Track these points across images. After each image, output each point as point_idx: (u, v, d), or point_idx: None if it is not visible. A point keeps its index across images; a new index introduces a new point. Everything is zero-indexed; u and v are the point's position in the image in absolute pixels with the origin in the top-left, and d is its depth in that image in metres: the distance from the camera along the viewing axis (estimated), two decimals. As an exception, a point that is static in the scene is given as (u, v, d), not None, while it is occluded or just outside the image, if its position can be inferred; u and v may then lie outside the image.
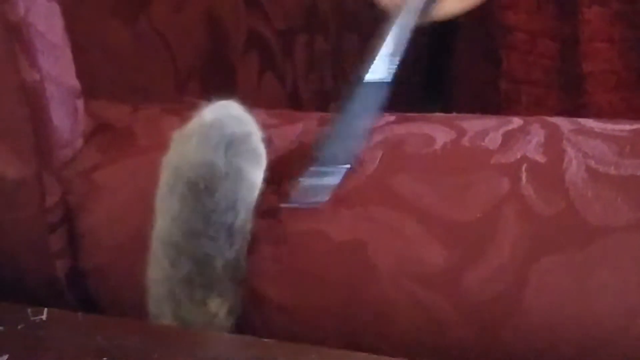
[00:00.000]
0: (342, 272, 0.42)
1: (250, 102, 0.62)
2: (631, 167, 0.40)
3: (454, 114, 0.46)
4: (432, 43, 0.88)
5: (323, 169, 0.42)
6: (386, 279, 0.41)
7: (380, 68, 0.47)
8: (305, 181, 0.42)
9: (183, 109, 0.51)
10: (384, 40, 0.48)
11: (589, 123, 0.44)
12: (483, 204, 0.41)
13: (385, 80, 0.46)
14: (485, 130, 0.44)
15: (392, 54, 0.47)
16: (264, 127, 0.44)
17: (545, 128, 0.43)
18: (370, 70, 0.46)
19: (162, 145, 0.48)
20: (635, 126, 0.43)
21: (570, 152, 0.41)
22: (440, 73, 0.86)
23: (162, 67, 0.61)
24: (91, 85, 0.52)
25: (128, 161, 0.48)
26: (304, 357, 0.38)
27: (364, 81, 0.46)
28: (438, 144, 0.43)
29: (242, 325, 0.43)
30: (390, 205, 0.42)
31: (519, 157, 0.42)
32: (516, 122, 0.44)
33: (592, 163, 0.41)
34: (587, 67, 0.72)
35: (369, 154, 0.44)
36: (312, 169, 0.42)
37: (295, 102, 0.70)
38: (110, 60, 0.58)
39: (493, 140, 0.43)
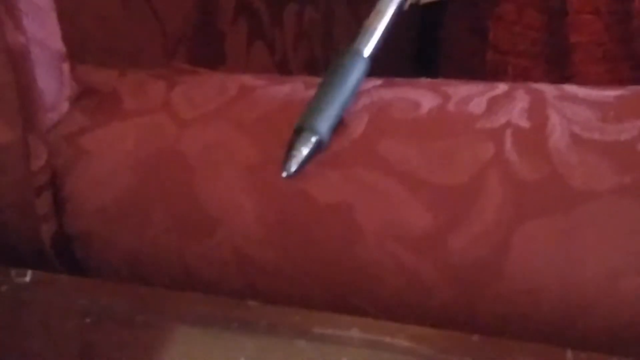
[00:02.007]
0: (328, 234, 0.42)
1: (239, 70, 0.62)
2: (615, 133, 0.41)
3: (440, 80, 0.46)
4: (420, 15, 0.88)
5: (309, 138, 0.42)
6: (371, 241, 0.42)
7: (371, 39, 0.46)
8: (299, 151, 0.42)
9: (170, 74, 0.51)
10: (376, 11, 0.47)
11: (574, 89, 0.44)
12: (468, 168, 0.41)
13: (374, 53, 0.46)
14: (470, 95, 0.44)
15: (383, 26, 0.47)
16: (251, 88, 0.44)
17: (530, 94, 0.44)
18: (361, 41, 0.46)
19: (148, 110, 0.48)
20: (619, 92, 0.43)
21: (555, 117, 0.42)
22: (428, 45, 0.86)
23: (151, 33, 0.61)
24: (79, 50, 0.52)
25: (114, 125, 0.48)
26: (287, 319, 0.38)
27: (354, 52, 0.45)
28: (424, 109, 0.44)
29: (226, 287, 0.43)
30: (376, 168, 0.42)
31: (503, 122, 0.42)
32: (501, 88, 0.44)
33: (576, 128, 0.41)
34: (573, 39, 0.72)
35: (356, 118, 0.44)
36: (301, 138, 0.42)
37: (284, 71, 0.70)
38: (99, 26, 0.58)
39: (478, 105, 0.43)
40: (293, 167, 0.41)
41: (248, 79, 0.48)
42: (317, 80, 0.48)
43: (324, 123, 0.42)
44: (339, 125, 0.43)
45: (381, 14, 0.47)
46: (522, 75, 0.74)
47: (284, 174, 0.41)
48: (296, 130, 0.42)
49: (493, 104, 0.43)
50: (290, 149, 0.42)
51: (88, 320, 0.38)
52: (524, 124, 0.42)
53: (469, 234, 0.40)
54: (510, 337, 0.38)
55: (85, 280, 0.45)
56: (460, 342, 0.37)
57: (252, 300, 0.40)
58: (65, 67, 0.49)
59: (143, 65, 0.57)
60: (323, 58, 0.76)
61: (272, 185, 0.44)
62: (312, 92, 0.46)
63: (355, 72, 0.44)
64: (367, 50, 0.46)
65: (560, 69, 0.74)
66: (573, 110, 0.42)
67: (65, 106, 0.48)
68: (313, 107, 0.43)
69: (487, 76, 0.74)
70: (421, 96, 0.44)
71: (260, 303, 0.39)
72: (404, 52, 0.88)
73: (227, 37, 0.65)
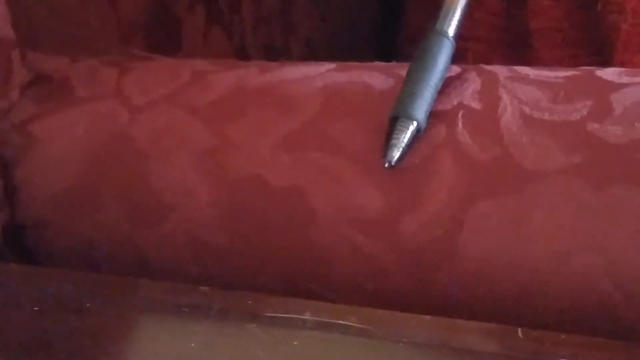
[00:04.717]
0: (282, 217, 0.42)
1: (197, 56, 0.61)
2: (564, 113, 0.41)
3: (394, 63, 0.46)
4: (382, 0, 0.88)
5: (407, 125, 0.40)
6: (325, 224, 0.41)
7: (453, 19, 0.45)
8: (399, 139, 0.40)
9: (122, 60, 0.51)
10: None
11: (525, 70, 0.44)
12: (420, 150, 0.41)
13: (456, 34, 0.45)
14: (423, 77, 0.44)
15: (463, 4, 0.46)
16: (203, 73, 0.44)
17: (482, 75, 0.44)
18: (444, 22, 0.45)
19: (100, 96, 0.48)
20: (570, 73, 0.43)
21: (506, 98, 0.42)
22: (390, 31, 0.86)
23: (106, 20, 0.61)
24: (31, 37, 0.51)
25: (65, 112, 0.47)
26: (239, 303, 0.38)
27: (440, 34, 0.44)
28: (376, 92, 0.43)
29: (180, 273, 0.42)
30: (329, 151, 0.42)
31: (455, 104, 0.42)
32: (453, 70, 0.45)
33: (527, 109, 0.41)
34: (533, 25, 0.73)
35: (308, 101, 0.44)
36: (399, 125, 0.40)
37: (242, 57, 0.69)
38: (51, 13, 0.57)
39: (430, 87, 0.43)
40: (395, 156, 0.40)
41: (201, 64, 0.48)
42: (272, 64, 0.48)
43: (420, 109, 0.41)
44: (295, 109, 0.43)
45: None
46: (482, 61, 0.74)
47: (386, 164, 0.40)
48: (392, 118, 0.41)
49: (445, 86, 0.43)
50: (389, 138, 0.40)
51: (37, 308, 0.37)
52: (476, 105, 0.42)
53: (422, 216, 0.41)
54: (463, 317, 0.38)
55: (33, 268, 0.44)
56: (412, 323, 0.37)
57: (206, 285, 0.40)
58: (15, 54, 0.48)
59: (98, 52, 0.56)
60: (282, 44, 0.75)
61: (226, 170, 0.43)
62: (266, 77, 0.46)
63: (443, 54, 0.43)
64: (451, 30, 0.45)
65: (519, 54, 0.75)
66: (524, 91, 0.42)
67: (15, 94, 0.48)
68: (407, 94, 0.41)
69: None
70: (374, 79, 0.44)
71: (212, 288, 0.39)
72: (365, 38, 0.88)
73: (184, 23, 0.64)
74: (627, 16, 0.70)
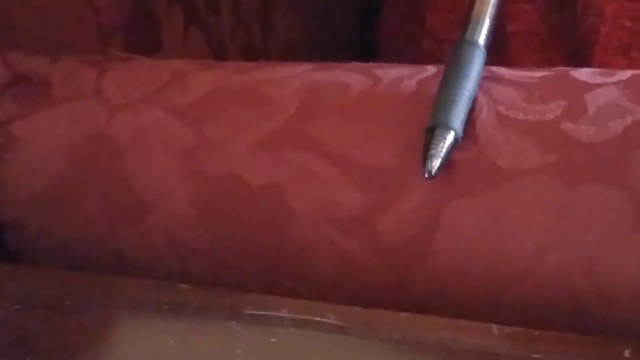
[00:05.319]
0: (260, 216, 0.42)
1: (176, 56, 0.62)
2: (539, 113, 0.41)
3: (372, 63, 0.47)
4: (362, 1, 0.89)
5: (445, 135, 0.40)
6: (304, 223, 0.42)
7: (483, 28, 0.46)
8: (437, 149, 0.40)
9: (102, 60, 0.51)
10: (484, 1, 0.46)
11: (501, 71, 0.44)
12: (397, 149, 0.42)
13: (486, 43, 0.45)
14: (400, 78, 0.44)
15: (492, 12, 0.46)
16: (182, 73, 0.44)
17: (459, 75, 0.44)
18: (474, 31, 0.45)
19: (79, 96, 0.48)
20: (544, 73, 0.44)
21: (482, 98, 0.42)
22: (370, 31, 0.86)
23: (85, 21, 0.61)
24: (10, 37, 0.51)
25: (45, 112, 0.47)
26: (218, 301, 0.38)
27: (471, 44, 0.44)
28: (354, 91, 0.44)
29: (159, 271, 0.43)
30: (307, 150, 0.42)
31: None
32: (430, 70, 0.45)
33: (502, 109, 0.42)
34: (510, 28, 0.73)
35: (287, 100, 0.44)
36: (436, 136, 0.40)
37: (222, 58, 0.70)
38: (30, 13, 0.57)
39: (408, 87, 0.44)
40: (435, 166, 0.39)
41: (179, 64, 0.48)
42: (250, 64, 0.48)
43: (456, 118, 0.40)
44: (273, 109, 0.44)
45: (487, 1, 0.46)
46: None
47: (426, 175, 0.39)
48: (429, 129, 0.40)
49: (422, 86, 0.44)
50: (427, 148, 0.40)
51: (17, 306, 0.38)
52: (452, 105, 0.42)
53: (398, 214, 0.41)
54: (439, 314, 0.39)
55: (13, 267, 0.44)
56: (388, 320, 0.37)
57: (184, 283, 0.40)
58: (-6, 54, 0.48)
59: (78, 52, 0.56)
60: (261, 45, 0.76)
61: (205, 169, 0.44)
62: (245, 77, 0.46)
63: (476, 63, 0.43)
64: (482, 39, 0.45)
65: (497, 57, 0.75)
66: (499, 91, 0.43)
67: (-6, 94, 0.48)
68: (443, 104, 0.41)
69: (427, 64, 0.75)
70: (352, 79, 0.45)
71: (191, 286, 0.39)
72: (345, 38, 0.88)
73: (163, 23, 0.64)
74: (606, 19, 0.71)
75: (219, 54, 0.69)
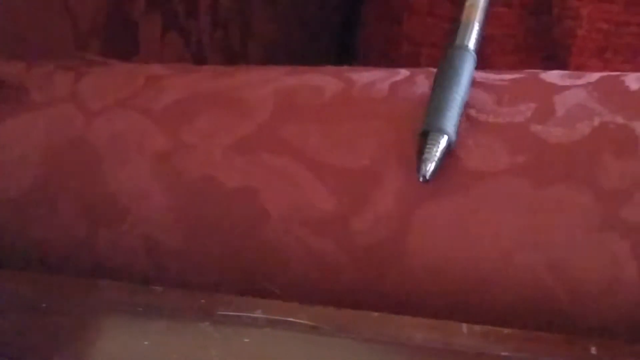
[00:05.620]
0: (234, 218, 0.43)
1: (154, 61, 0.62)
2: (509, 115, 0.42)
3: (345, 67, 0.47)
4: (342, 3, 0.89)
5: (438, 139, 0.40)
6: (278, 225, 0.42)
7: (473, 33, 0.46)
8: (431, 153, 0.40)
9: (78, 65, 0.51)
10: (470, 4, 0.47)
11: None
12: (370, 152, 0.42)
13: (476, 48, 0.45)
14: (373, 81, 0.45)
15: (481, 18, 0.47)
16: (158, 77, 0.45)
17: (430, 79, 0.45)
18: (464, 36, 0.46)
19: (55, 100, 0.48)
20: (515, 75, 0.45)
21: (453, 101, 0.43)
22: (350, 34, 0.87)
23: (62, 26, 0.61)
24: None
25: (21, 116, 0.48)
26: (192, 302, 0.39)
27: (461, 49, 0.45)
28: (327, 94, 0.45)
29: (136, 274, 0.43)
30: (281, 153, 0.43)
31: (404, 106, 0.43)
32: (403, 73, 0.46)
33: (473, 112, 0.42)
34: (487, 31, 0.74)
35: (261, 104, 0.44)
36: (430, 140, 0.40)
37: (200, 61, 0.70)
38: (7, 17, 0.57)
39: (380, 90, 0.44)
40: (429, 170, 0.40)
41: (155, 69, 0.48)
42: (225, 68, 0.49)
43: (449, 122, 0.41)
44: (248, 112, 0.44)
45: (475, 6, 0.47)
46: (435, 66, 0.75)
47: (420, 179, 0.40)
48: (422, 133, 0.41)
49: (395, 90, 0.44)
50: (421, 152, 0.40)
51: (-7, 310, 0.38)
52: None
53: (371, 216, 0.42)
54: (412, 314, 0.40)
55: (-11, 270, 0.45)
56: (360, 320, 0.38)
57: (159, 285, 0.41)
58: (-31, 59, 0.48)
59: (55, 57, 0.57)
60: (240, 48, 0.76)
61: (180, 172, 0.44)
62: (219, 81, 0.47)
63: (467, 68, 0.44)
64: (472, 43, 0.45)
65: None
66: (470, 94, 0.43)
67: (-30, 99, 0.48)
68: (435, 109, 0.42)
69: (403, 66, 0.75)
70: (325, 82, 0.45)
71: (166, 288, 0.39)
72: (325, 40, 0.89)
73: (140, 27, 0.65)
74: (582, 22, 0.72)
75: (198, 59, 0.70)
